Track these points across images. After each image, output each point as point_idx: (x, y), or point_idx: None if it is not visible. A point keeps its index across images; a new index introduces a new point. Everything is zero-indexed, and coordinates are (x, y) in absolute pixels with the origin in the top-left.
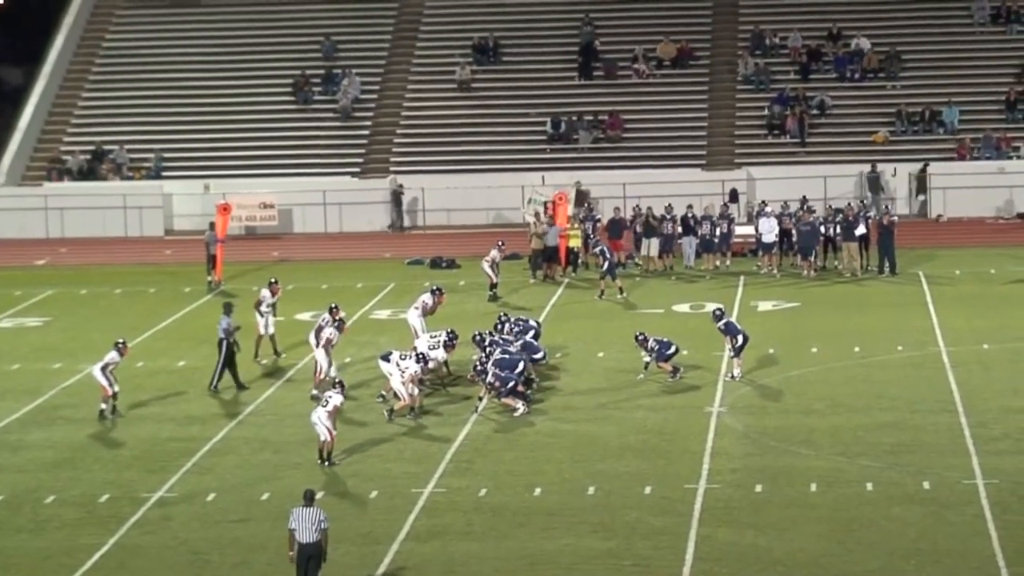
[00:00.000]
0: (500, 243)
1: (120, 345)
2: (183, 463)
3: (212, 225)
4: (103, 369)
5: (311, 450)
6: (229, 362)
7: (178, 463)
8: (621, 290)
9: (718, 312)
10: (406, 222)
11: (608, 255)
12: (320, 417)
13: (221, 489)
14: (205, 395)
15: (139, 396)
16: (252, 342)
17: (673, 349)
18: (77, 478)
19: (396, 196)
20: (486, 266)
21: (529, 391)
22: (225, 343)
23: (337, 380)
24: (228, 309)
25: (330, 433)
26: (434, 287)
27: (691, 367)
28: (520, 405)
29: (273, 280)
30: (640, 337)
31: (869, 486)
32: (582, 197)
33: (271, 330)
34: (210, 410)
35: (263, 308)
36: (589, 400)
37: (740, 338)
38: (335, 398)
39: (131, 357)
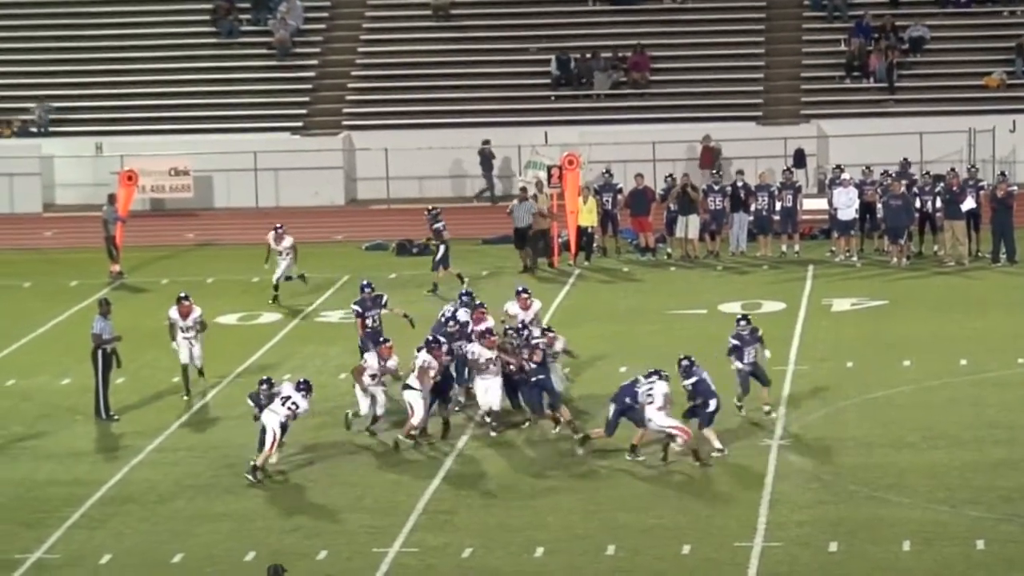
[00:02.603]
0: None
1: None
2: (67, 514)
3: (111, 197)
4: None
5: (238, 497)
6: (104, 379)
7: (61, 514)
8: (460, 277)
9: (685, 363)
10: (361, 193)
11: (444, 239)
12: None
13: (119, 549)
14: (95, 423)
15: (8, 425)
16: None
17: (714, 406)
18: None
19: (486, 157)
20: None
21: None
22: (101, 353)
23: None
24: (104, 308)
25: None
26: (518, 287)
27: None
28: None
29: (183, 296)
30: (685, 363)
31: (980, 544)
32: (710, 154)
33: (198, 361)
34: (103, 443)
35: (181, 335)
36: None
37: (713, 404)
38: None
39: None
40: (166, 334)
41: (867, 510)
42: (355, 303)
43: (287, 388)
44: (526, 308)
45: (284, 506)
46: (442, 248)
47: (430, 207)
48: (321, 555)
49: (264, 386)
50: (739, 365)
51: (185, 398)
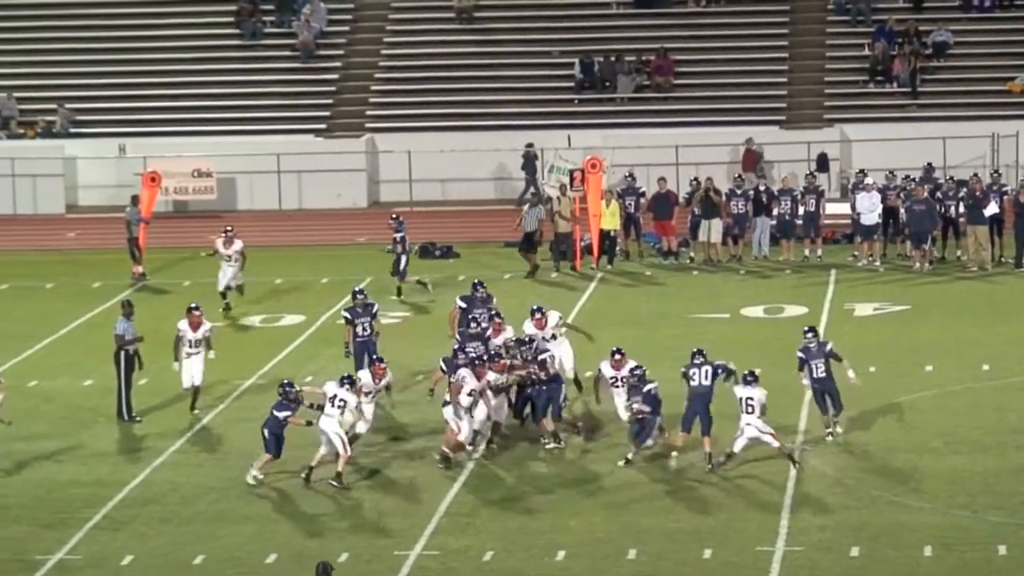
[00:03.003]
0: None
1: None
2: (89, 516)
3: (135, 199)
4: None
5: (260, 499)
6: (126, 380)
7: (83, 516)
8: (423, 283)
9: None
10: (384, 196)
11: (404, 248)
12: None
13: (141, 551)
14: (118, 425)
15: (31, 426)
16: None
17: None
18: None
19: (529, 160)
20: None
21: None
22: (123, 355)
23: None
24: (127, 310)
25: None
26: (532, 307)
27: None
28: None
29: (194, 306)
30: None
31: (1002, 549)
32: (753, 157)
33: (197, 380)
34: (125, 445)
35: (187, 349)
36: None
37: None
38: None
39: (20, 375)
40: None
41: (888, 515)
42: (346, 310)
43: (331, 387)
44: (541, 327)
45: (306, 508)
46: (404, 258)
47: (394, 214)
48: (342, 557)
49: (287, 388)
50: (806, 381)
51: (196, 412)
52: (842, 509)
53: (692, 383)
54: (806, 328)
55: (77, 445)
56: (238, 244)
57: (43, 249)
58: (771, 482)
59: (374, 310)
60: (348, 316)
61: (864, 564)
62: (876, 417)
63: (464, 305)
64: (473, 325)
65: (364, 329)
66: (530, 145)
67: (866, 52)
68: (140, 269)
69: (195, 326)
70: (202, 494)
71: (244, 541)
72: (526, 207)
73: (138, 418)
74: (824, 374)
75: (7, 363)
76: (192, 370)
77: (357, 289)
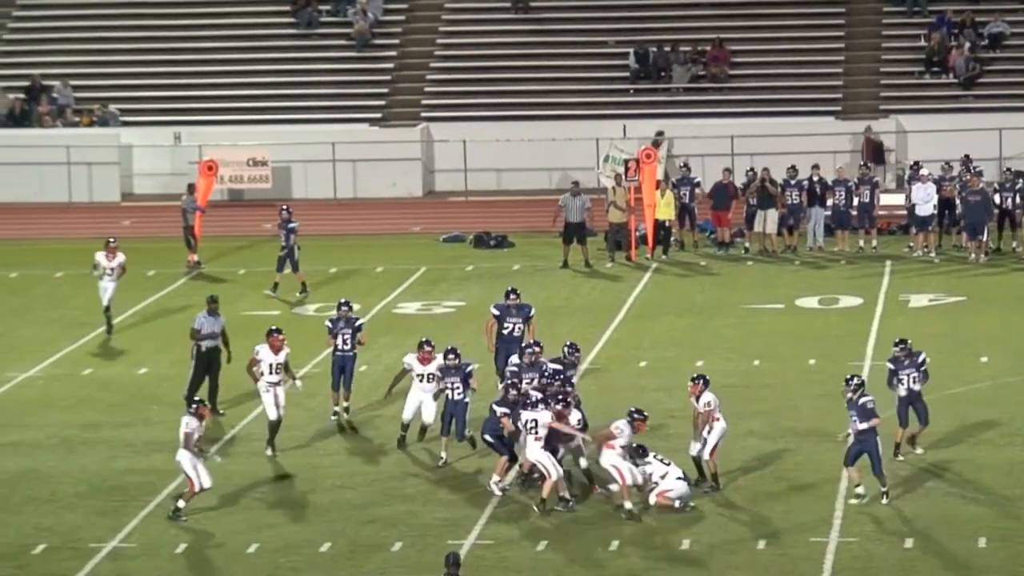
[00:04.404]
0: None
1: (196, 408)
2: (144, 503)
3: (191, 187)
4: (187, 447)
5: (315, 488)
6: (195, 373)
7: (137, 504)
8: (304, 286)
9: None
10: (439, 185)
11: (293, 241)
12: None
13: (195, 539)
14: (174, 413)
15: (85, 414)
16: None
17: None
18: (3, 522)
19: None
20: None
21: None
22: (196, 349)
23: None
24: (210, 306)
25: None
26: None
27: (819, 382)
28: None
29: (275, 329)
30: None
31: None
32: (872, 146)
33: (283, 410)
34: (179, 432)
35: (268, 377)
36: (684, 424)
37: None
38: None
39: (75, 362)
40: (244, 325)
41: (943, 506)
42: (329, 319)
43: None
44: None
45: (359, 498)
46: (297, 250)
47: (285, 206)
48: (396, 547)
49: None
50: (896, 393)
51: (270, 454)
52: (896, 500)
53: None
54: (896, 340)
55: (131, 433)
56: (120, 257)
57: (99, 237)
58: (825, 474)
59: (357, 324)
60: (329, 326)
61: (918, 555)
62: (931, 408)
63: (497, 313)
64: (505, 334)
65: (344, 342)
66: (660, 133)
67: (922, 43)
68: (195, 257)
69: (276, 349)
70: (256, 482)
71: (298, 529)
72: (567, 195)
73: (222, 412)
74: (916, 386)
75: (63, 350)
76: (279, 400)
77: (343, 301)
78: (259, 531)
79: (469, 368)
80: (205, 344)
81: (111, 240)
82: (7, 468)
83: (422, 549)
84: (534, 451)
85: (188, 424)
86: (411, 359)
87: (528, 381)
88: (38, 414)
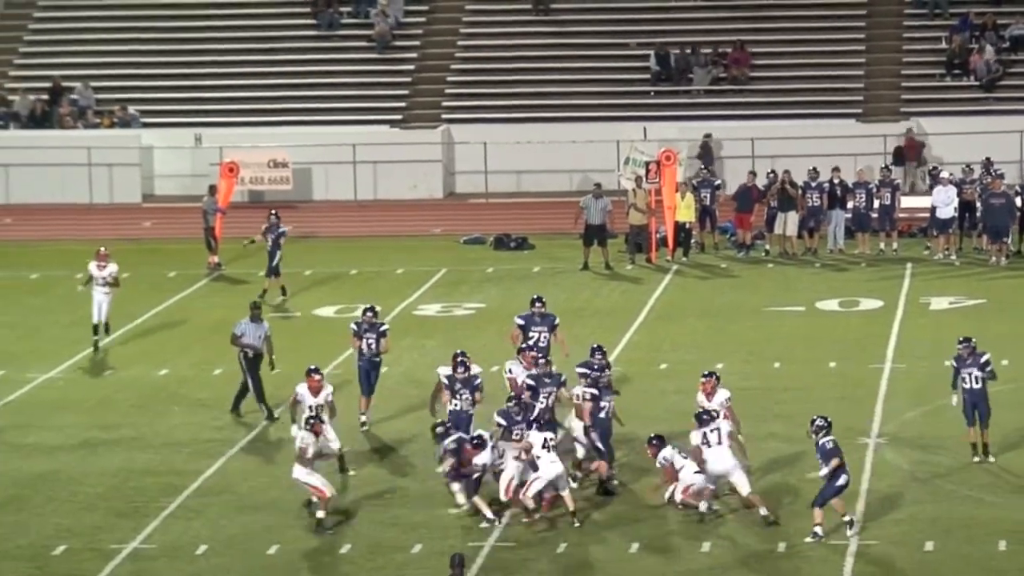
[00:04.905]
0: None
1: (311, 424)
2: (164, 504)
3: (212, 189)
4: (301, 462)
5: (339, 494)
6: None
7: (157, 504)
8: (284, 290)
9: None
10: (459, 187)
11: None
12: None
13: (215, 540)
14: (193, 414)
15: (106, 416)
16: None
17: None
18: (23, 523)
19: (707, 150)
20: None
21: None
22: (243, 356)
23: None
24: (253, 312)
25: None
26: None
27: (840, 385)
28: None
29: (313, 368)
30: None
31: None
32: (915, 146)
33: (334, 444)
34: (200, 434)
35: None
36: None
37: (843, 479)
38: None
39: (96, 363)
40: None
41: (963, 509)
42: (355, 322)
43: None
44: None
45: (381, 499)
46: (278, 254)
47: (273, 210)
48: (416, 548)
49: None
50: (959, 390)
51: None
52: (916, 503)
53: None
54: (960, 338)
55: (152, 434)
56: (113, 267)
57: (119, 238)
58: None
59: (382, 329)
60: (355, 328)
61: (938, 558)
62: (951, 411)
63: (522, 323)
64: (530, 343)
65: (370, 346)
66: (708, 135)
67: (943, 45)
68: (216, 259)
69: (315, 391)
70: (276, 483)
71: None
72: (588, 197)
73: (276, 415)
74: (979, 385)
75: (84, 351)
76: (328, 436)
77: (368, 307)
78: (280, 533)
79: (478, 381)
80: (251, 351)
81: (102, 248)
82: (28, 469)
83: (443, 552)
84: (551, 468)
85: (304, 439)
86: (445, 372)
87: (547, 395)
88: (58, 415)
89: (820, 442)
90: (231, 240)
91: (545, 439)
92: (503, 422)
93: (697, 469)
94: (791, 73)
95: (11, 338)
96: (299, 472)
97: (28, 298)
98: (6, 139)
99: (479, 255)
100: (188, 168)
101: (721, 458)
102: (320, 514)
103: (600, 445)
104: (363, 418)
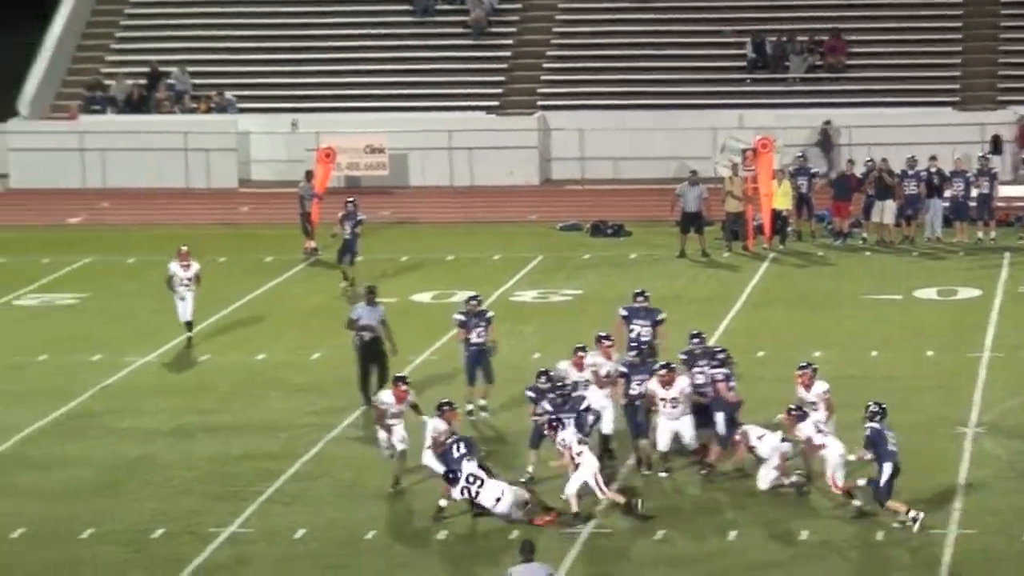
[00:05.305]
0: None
1: (445, 408)
2: (262, 489)
3: (308, 174)
4: (433, 449)
5: (431, 478)
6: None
7: (255, 489)
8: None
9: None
10: (555, 173)
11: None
12: None
13: (312, 524)
14: (290, 399)
15: (202, 401)
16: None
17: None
18: (121, 507)
19: (827, 137)
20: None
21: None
22: (358, 340)
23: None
24: (368, 296)
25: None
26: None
27: (937, 375)
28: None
29: (400, 375)
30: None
31: None
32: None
33: (404, 444)
34: (298, 419)
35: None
36: None
37: (889, 468)
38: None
39: (192, 349)
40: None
41: None
42: (460, 312)
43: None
44: (608, 357)
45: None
46: (358, 242)
47: (351, 198)
48: (513, 535)
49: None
50: None
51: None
52: (1015, 493)
53: None
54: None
55: (248, 419)
56: (195, 266)
57: (216, 223)
58: (944, 466)
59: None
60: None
61: None
62: None
63: (625, 314)
64: (632, 335)
65: (480, 336)
66: (827, 122)
67: None
68: (312, 244)
69: (399, 399)
70: (375, 469)
71: (415, 517)
72: (684, 184)
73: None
74: None
75: (179, 336)
76: (398, 435)
77: (472, 296)
78: (377, 517)
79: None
80: (367, 334)
81: (184, 247)
82: (124, 453)
83: (536, 538)
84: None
85: (435, 428)
86: (565, 366)
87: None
88: (154, 400)
89: (868, 428)
90: (327, 226)
91: (580, 439)
92: (532, 395)
93: (842, 451)
94: (887, 61)
95: (107, 322)
96: (428, 459)
97: (123, 282)
98: (103, 124)
99: (576, 242)
100: (284, 153)
101: (836, 445)
102: (443, 503)
103: (723, 430)
104: (470, 407)
